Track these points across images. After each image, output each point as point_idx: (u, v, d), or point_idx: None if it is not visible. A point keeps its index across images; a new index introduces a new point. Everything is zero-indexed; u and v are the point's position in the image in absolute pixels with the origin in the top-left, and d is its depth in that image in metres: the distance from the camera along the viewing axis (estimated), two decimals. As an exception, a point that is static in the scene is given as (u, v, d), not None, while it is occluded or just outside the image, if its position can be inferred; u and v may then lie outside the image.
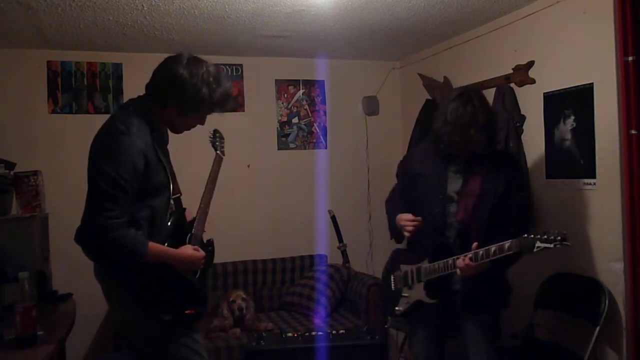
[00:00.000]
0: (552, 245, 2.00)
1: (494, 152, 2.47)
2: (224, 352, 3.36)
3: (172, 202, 2.11)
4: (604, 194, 2.77)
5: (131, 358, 2.28)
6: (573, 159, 2.93)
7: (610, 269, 2.71)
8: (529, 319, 2.99)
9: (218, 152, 2.50)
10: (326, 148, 4.58)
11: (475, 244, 2.22)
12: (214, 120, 4.52)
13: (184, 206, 2.24)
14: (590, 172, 2.83)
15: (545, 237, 2.02)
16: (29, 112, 3.86)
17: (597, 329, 2.67)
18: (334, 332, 3.27)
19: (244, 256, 4.20)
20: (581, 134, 2.90)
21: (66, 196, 3.88)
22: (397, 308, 2.55)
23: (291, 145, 4.50)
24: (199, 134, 2.36)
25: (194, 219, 2.26)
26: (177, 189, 2.16)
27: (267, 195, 4.39)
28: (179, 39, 3.67)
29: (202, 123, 2.16)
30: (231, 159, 4.24)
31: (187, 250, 2.10)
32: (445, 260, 2.33)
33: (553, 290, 2.98)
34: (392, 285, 2.65)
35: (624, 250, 2.65)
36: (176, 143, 2.29)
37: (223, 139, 2.58)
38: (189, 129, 2.17)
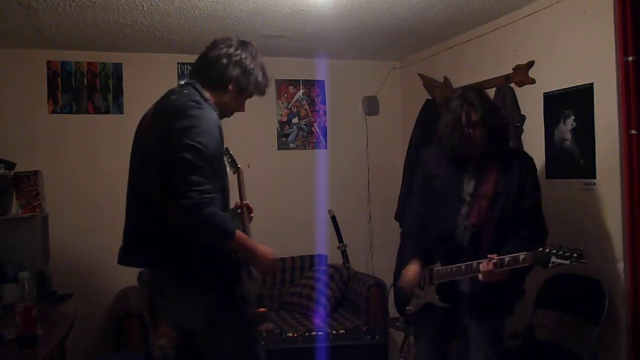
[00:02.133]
0: (567, 262, 1.98)
1: (506, 151, 2.42)
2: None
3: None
4: (604, 194, 2.77)
5: None
6: (573, 159, 2.93)
7: (617, 268, 2.70)
8: (529, 319, 2.99)
9: (239, 166, 2.51)
10: (326, 148, 4.58)
11: (494, 255, 2.18)
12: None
13: None
14: (590, 172, 2.83)
15: (561, 252, 1.99)
16: (29, 112, 3.86)
17: (597, 329, 2.67)
18: (334, 332, 3.28)
19: (244, 256, 4.20)
20: (581, 134, 2.90)
21: (66, 196, 3.90)
22: (408, 307, 2.52)
23: (291, 145, 4.50)
24: (233, 147, 2.35)
25: (242, 220, 2.24)
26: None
27: (267, 195, 4.39)
28: (179, 39, 3.67)
29: (244, 109, 2.18)
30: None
31: (262, 246, 2.02)
32: (459, 265, 2.29)
33: (553, 290, 2.98)
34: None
35: (624, 250, 2.65)
36: None
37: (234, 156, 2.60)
38: (234, 112, 2.15)
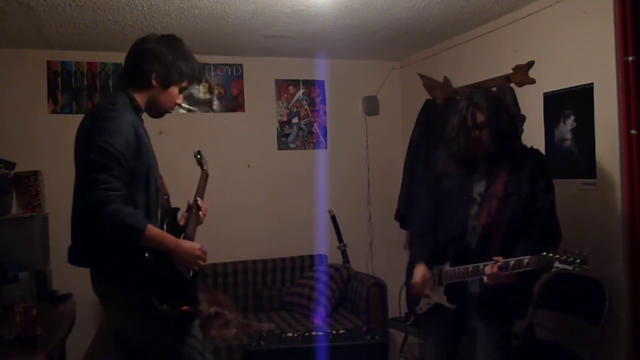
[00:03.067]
0: (570, 267, 1.97)
1: (517, 150, 2.37)
2: (224, 352, 3.35)
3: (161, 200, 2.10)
4: (604, 194, 2.77)
5: None
6: (573, 159, 2.93)
7: (617, 268, 2.69)
8: (529, 319, 2.99)
9: (205, 168, 2.53)
10: (326, 148, 4.58)
11: (500, 257, 2.17)
12: (215, 120, 4.51)
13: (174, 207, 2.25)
14: (590, 172, 2.83)
15: (565, 257, 1.98)
16: (29, 112, 3.86)
17: (597, 329, 2.67)
18: (334, 332, 3.28)
19: (244, 256, 4.20)
20: (581, 134, 2.90)
21: (66, 196, 3.83)
22: (417, 307, 2.51)
23: (291, 145, 4.50)
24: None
25: (187, 219, 2.24)
26: (165, 190, 2.16)
27: (267, 195, 4.39)
28: (179, 39, 3.66)
29: (180, 102, 2.19)
30: (231, 159, 4.28)
31: (186, 242, 2.06)
32: (466, 266, 2.27)
33: (553, 290, 2.98)
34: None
35: (623, 250, 2.65)
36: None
37: (205, 159, 2.61)
38: (169, 110, 2.17)
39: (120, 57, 3.98)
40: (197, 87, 2.15)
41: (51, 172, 3.68)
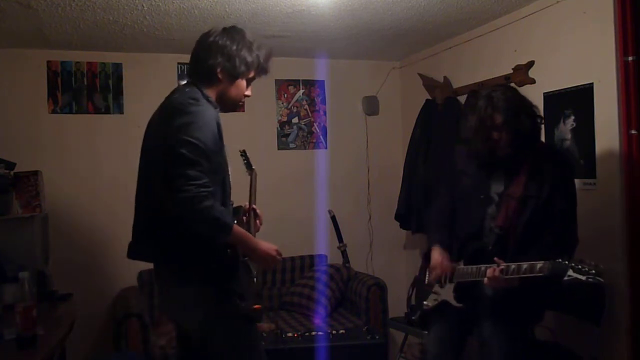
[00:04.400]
0: (584, 278, 1.90)
1: (540, 150, 2.32)
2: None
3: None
4: (604, 194, 2.77)
5: None
6: (573, 159, 2.93)
7: (617, 268, 2.69)
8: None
9: (254, 168, 2.59)
10: (326, 148, 4.58)
11: (501, 260, 2.13)
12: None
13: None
14: (590, 172, 2.83)
15: (580, 267, 1.91)
16: (29, 112, 3.86)
17: (597, 329, 2.67)
18: (334, 332, 3.28)
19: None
20: (581, 134, 2.90)
21: (66, 196, 3.90)
22: (425, 302, 2.48)
23: (291, 145, 4.50)
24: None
25: (247, 220, 2.26)
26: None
27: (267, 195, 4.36)
28: (179, 39, 3.67)
29: (250, 93, 2.16)
30: (231, 159, 4.27)
31: (264, 242, 2.04)
32: (478, 265, 2.23)
33: (553, 290, 2.97)
34: (427, 279, 2.55)
35: (624, 250, 2.65)
36: None
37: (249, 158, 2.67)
38: (238, 103, 2.15)
39: (120, 57, 4.08)
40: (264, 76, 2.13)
41: (51, 172, 3.69)
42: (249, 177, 2.62)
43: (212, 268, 1.93)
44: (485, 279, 2.16)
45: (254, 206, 2.30)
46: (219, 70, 2.02)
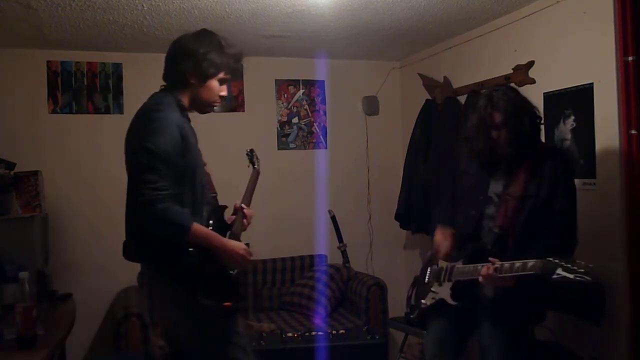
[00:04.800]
0: (572, 276, 1.91)
1: (540, 150, 2.31)
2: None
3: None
4: (604, 194, 2.77)
5: None
6: (573, 159, 2.93)
7: (617, 268, 2.69)
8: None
9: (256, 167, 2.61)
10: (326, 148, 4.58)
11: (496, 259, 2.13)
12: (215, 120, 4.50)
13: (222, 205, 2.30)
14: (590, 172, 2.83)
15: (569, 265, 1.92)
16: (29, 112, 3.86)
17: (597, 329, 2.67)
18: (334, 332, 3.28)
19: (244, 256, 4.19)
20: (581, 134, 2.90)
21: (66, 196, 3.90)
22: (422, 301, 2.48)
23: (291, 145, 4.50)
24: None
25: (234, 219, 2.28)
26: (212, 188, 2.21)
27: (267, 195, 4.37)
28: (179, 39, 3.66)
29: (225, 93, 2.18)
30: (231, 159, 4.27)
31: (231, 241, 2.08)
32: (475, 264, 2.23)
33: (553, 290, 2.97)
34: (427, 278, 2.56)
35: (624, 250, 2.65)
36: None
37: (258, 159, 2.70)
38: (214, 104, 2.17)
39: (120, 57, 4.08)
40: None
41: (51, 172, 3.69)
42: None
43: (176, 268, 1.98)
44: (480, 277, 2.17)
45: (242, 205, 2.32)
46: (188, 73, 2.07)
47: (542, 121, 2.34)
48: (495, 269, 2.12)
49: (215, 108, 2.20)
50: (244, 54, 2.19)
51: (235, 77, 2.21)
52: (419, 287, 2.60)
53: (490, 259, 2.16)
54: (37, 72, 3.89)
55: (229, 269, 2.10)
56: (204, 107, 2.17)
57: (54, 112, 3.93)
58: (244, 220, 2.31)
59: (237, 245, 2.07)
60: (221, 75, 2.12)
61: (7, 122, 3.79)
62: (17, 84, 3.84)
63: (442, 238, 2.42)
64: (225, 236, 2.14)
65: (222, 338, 2.07)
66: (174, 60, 2.10)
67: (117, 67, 4.04)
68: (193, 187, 2.03)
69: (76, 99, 3.97)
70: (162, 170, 1.90)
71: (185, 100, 2.10)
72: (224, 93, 2.17)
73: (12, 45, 3.75)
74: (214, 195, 2.23)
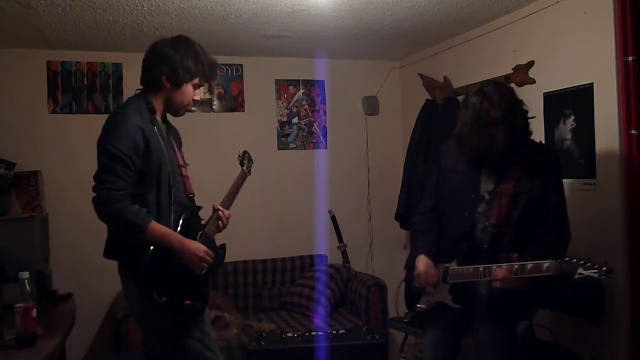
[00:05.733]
0: (596, 276, 1.89)
1: (531, 146, 2.31)
2: (224, 352, 3.35)
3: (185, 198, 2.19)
4: (604, 194, 2.77)
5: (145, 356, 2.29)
6: (573, 159, 2.93)
7: (617, 268, 2.68)
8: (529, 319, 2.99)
9: (244, 168, 2.63)
10: (326, 148, 4.58)
11: (515, 255, 2.11)
12: (215, 120, 4.49)
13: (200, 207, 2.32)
14: (590, 172, 2.83)
15: (590, 264, 1.90)
16: (29, 112, 3.86)
17: (597, 329, 2.67)
18: (334, 332, 3.28)
19: (244, 256, 4.19)
20: (581, 134, 2.90)
21: (66, 196, 3.89)
22: (418, 305, 2.42)
23: (291, 145, 4.50)
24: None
25: (208, 220, 2.30)
26: (190, 189, 2.23)
27: (267, 195, 4.39)
28: (179, 39, 3.66)
29: (198, 97, 2.25)
30: (231, 159, 4.26)
31: (192, 243, 2.10)
32: (476, 266, 2.20)
33: (553, 290, 2.97)
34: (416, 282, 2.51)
35: (624, 250, 2.65)
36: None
37: (252, 161, 2.74)
38: (187, 107, 2.23)
39: (120, 57, 4.08)
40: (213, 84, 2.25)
41: (51, 172, 3.69)
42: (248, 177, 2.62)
43: (134, 265, 2.05)
44: (497, 281, 2.13)
45: (219, 207, 2.33)
46: (163, 77, 2.14)
47: (530, 115, 2.32)
48: (511, 271, 2.08)
49: (186, 111, 2.26)
50: (217, 64, 2.29)
51: (208, 82, 2.29)
52: (409, 289, 2.57)
53: (511, 257, 2.12)
54: (37, 72, 3.89)
55: (193, 270, 2.12)
56: (177, 110, 2.23)
57: (54, 112, 3.93)
58: (219, 222, 2.32)
59: (196, 248, 2.10)
60: (195, 80, 2.19)
61: (7, 122, 3.79)
62: (17, 84, 3.84)
63: (423, 271, 2.34)
64: (196, 237, 2.17)
65: (180, 333, 2.13)
66: (150, 64, 2.17)
67: (117, 67, 4.04)
68: (158, 188, 2.07)
69: (76, 99, 3.97)
70: (119, 171, 1.97)
71: (157, 104, 2.17)
72: (197, 97, 2.24)
73: (12, 45, 3.75)
74: (192, 195, 2.24)
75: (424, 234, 2.47)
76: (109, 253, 2.12)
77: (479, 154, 2.25)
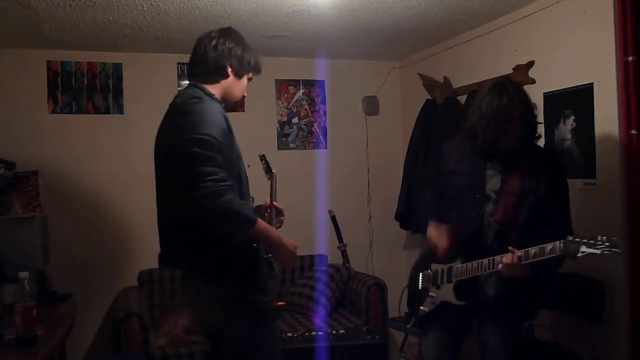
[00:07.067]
0: (599, 252, 1.84)
1: (535, 148, 2.33)
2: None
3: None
4: (604, 194, 2.77)
5: None
6: (573, 159, 2.93)
7: (617, 268, 2.68)
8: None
9: (274, 172, 2.63)
10: (326, 148, 4.58)
11: (512, 248, 2.10)
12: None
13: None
14: (590, 172, 2.83)
15: (592, 241, 1.87)
16: (29, 112, 3.86)
17: (597, 329, 2.67)
18: (334, 332, 3.28)
19: (244, 256, 4.19)
20: (581, 134, 2.90)
21: (66, 196, 3.90)
22: (421, 307, 2.44)
23: (291, 145, 4.50)
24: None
25: (269, 216, 2.29)
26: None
27: (266, 195, 4.38)
28: (179, 39, 3.67)
29: (246, 94, 2.23)
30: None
31: (286, 238, 2.03)
32: (480, 260, 2.20)
33: (553, 290, 2.97)
34: (420, 284, 2.53)
35: (624, 250, 2.65)
36: None
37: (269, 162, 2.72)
38: (240, 101, 2.22)
39: (120, 57, 4.07)
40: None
41: (51, 172, 3.69)
42: (269, 181, 2.63)
43: (234, 265, 1.92)
44: (500, 265, 2.11)
45: (275, 203, 2.30)
46: (229, 67, 2.08)
47: (538, 119, 2.34)
48: (519, 258, 2.07)
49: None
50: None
51: (255, 75, 2.25)
52: (412, 294, 2.58)
53: (510, 248, 2.12)
54: (37, 72, 3.89)
55: (276, 267, 2.05)
56: (232, 103, 2.17)
57: (54, 112, 3.93)
58: (281, 218, 2.33)
59: (291, 243, 2.04)
60: (250, 74, 2.17)
61: (7, 122, 3.79)
62: (17, 84, 3.84)
63: (437, 234, 2.36)
64: None
65: (278, 339, 2.06)
66: (213, 54, 2.06)
67: (117, 67, 4.04)
68: (240, 180, 1.99)
69: (76, 99, 3.97)
70: (219, 161, 1.83)
71: (216, 95, 2.09)
72: (246, 93, 2.21)
73: (12, 45, 3.74)
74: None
75: (435, 206, 2.47)
76: (186, 258, 1.95)
77: (491, 149, 2.24)
